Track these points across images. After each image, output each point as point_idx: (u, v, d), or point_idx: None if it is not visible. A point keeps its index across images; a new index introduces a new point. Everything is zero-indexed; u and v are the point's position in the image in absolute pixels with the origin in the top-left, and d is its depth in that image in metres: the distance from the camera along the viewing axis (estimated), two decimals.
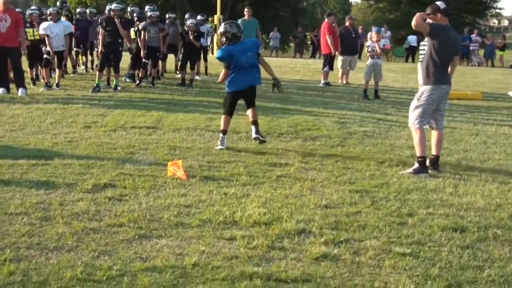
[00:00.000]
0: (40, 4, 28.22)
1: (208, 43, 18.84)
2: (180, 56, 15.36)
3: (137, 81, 14.19)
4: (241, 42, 7.93)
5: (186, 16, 17.18)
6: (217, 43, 14.36)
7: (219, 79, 8.28)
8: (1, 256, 4.13)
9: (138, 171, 6.58)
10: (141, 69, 14.32)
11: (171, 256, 4.31)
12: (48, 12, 13.74)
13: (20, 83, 11.96)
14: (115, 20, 12.90)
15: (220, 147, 7.87)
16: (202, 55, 16.81)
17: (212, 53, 25.14)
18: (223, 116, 8.12)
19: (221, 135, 8.03)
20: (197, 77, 15.80)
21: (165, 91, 13.68)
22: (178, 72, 16.00)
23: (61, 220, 4.94)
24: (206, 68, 17.41)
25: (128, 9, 16.31)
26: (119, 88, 13.15)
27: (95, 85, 12.87)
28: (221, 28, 7.86)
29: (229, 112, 8.13)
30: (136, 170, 6.62)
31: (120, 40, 13.16)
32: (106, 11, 13.95)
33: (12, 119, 9.29)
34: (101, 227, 4.83)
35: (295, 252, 4.47)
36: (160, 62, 15.28)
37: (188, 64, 14.85)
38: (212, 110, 10.95)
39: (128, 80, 14.93)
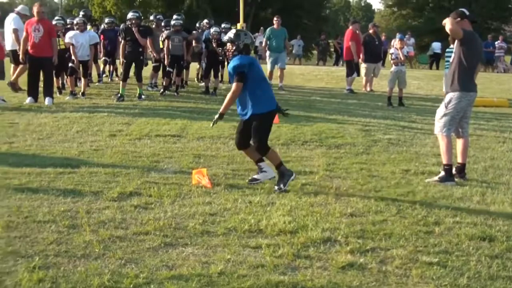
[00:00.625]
0: (65, 15, 28.57)
1: None
2: (204, 64, 15.41)
3: (161, 90, 14.28)
4: (252, 56, 6.61)
5: (205, 21, 17.21)
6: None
7: (230, 98, 6.38)
8: (30, 263, 4.18)
9: (163, 180, 6.62)
10: (165, 78, 14.42)
11: (197, 264, 4.33)
12: (75, 22, 13.91)
13: (48, 92, 12.11)
14: (133, 29, 12.98)
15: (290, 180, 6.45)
16: (226, 63, 16.83)
17: None
18: (270, 152, 6.51)
19: (284, 169, 6.45)
20: (221, 85, 15.85)
21: (189, 99, 13.75)
22: (202, 80, 16.06)
23: (88, 228, 4.98)
24: None
25: (151, 17, 16.41)
26: (143, 96, 13.24)
27: (119, 94, 12.97)
28: (231, 34, 6.40)
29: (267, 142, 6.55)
30: (161, 179, 6.66)
31: (140, 49, 13.24)
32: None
33: (39, 128, 9.40)
34: (127, 235, 4.86)
35: (321, 261, 4.45)
36: (184, 70, 15.35)
37: (212, 72, 14.92)
38: (236, 118, 10.89)
39: (150, 89, 15.02)
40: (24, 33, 12.16)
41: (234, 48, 6.32)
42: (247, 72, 6.25)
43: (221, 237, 4.90)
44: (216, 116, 6.44)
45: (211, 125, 6.58)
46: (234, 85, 6.30)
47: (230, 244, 4.73)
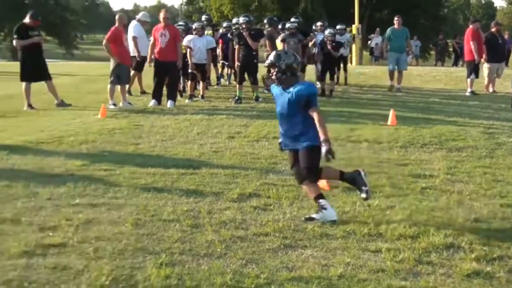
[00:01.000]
0: (186, 20, 29.52)
1: (347, 53, 18.78)
2: (319, 66, 15.40)
3: None
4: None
5: (319, 23, 17.18)
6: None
7: (323, 123, 5.44)
8: (157, 260, 4.37)
9: (281, 181, 6.69)
10: None
11: (316, 266, 4.34)
12: (194, 27, 14.34)
13: (171, 95, 12.58)
14: (244, 33, 13.23)
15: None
16: (342, 65, 16.85)
17: (351, 62, 25.07)
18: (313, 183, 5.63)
19: (348, 175, 5.75)
20: (337, 87, 15.78)
21: None
22: (318, 82, 16.05)
23: (210, 228, 5.14)
24: (346, 78, 17.35)
25: (265, 20, 16.61)
26: (260, 99, 13.43)
27: (236, 97, 13.24)
28: (271, 57, 5.64)
29: None
30: (279, 180, 6.74)
31: (254, 53, 13.45)
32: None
33: (162, 130, 9.78)
34: (247, 236, 4.97)
35: (444, 268, 4.33)
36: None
37: (328, 74, 14.88)
38: (352, 120, 10.91)
39: (266, 91, 15.19)
40: (152, 39, 12.73)
41: (276, 70, 5.56)
42: None
43: (340, 240, 4.90)
44: (327, 146, 5.32)
45: (328, 158, 5.32)
46: (317, 111, 5.45)
47: (350, 248, 4.71)
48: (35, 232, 4.96)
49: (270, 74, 5.68)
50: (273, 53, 5.75)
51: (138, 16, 14.95)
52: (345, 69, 17.28)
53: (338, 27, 17.06)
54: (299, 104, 5.43)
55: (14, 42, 12.46)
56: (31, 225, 5.12)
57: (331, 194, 6.14)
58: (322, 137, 5.35)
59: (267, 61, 5.68)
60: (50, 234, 4.91)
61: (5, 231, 4.97)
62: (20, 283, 3.97)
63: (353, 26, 27.91)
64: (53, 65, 13.49)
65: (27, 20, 12.44)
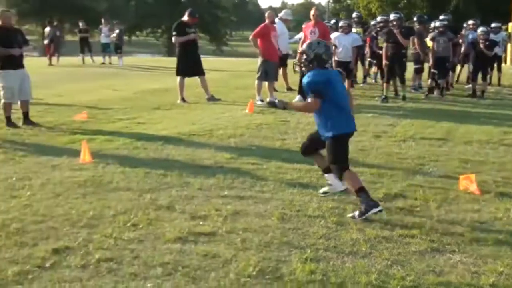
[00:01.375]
0: (337, 18, 29.51)
1: (502, 52, 17.83)
2: (471, 66, 14.77)
3: (426, 92, 14.05)
4: (328, 70, 5.69)
5: (470, 22, 16.45)
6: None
7: (301, 108, 6.52)
8: (302, 255, 4.44)
9: (429, 183, 6.52)
10: (430, 80, 14.16)
11: (466, 273, 4.21)
12: (340, 24, 14.33)
13: None
14: (394, 30, 12.99)
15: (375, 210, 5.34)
16: (496, 65, 16.07)
17: (505, 62, 23.74)
18: (347, 173, 5.57)
19: (365, 197, 5.39)
20: (489, 88, 15.07)
21: (455, 102, 13.30)
22: (469, 82, 15.44)
23: (355, 226, 5.13)
24: (499, 78, 16.51)
25: (414, 18, 16.22)
26: (406, 99, 13.15)
27: (383, 96, 13.05)
28: (305, 45, 5.72)
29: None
30: (426, 182, 6.57)
31: (403, 51, 13.20)
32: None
33: (308, 126, 9.64)
34: (393, 237, 4.90)
35: None
36: (450, 72, 14.88)
37: (480, 75, 14.25)
38: (506, 123, 10.37)
39: (414, 91, 14.82)
40: (302, 36, 12.89)
41: (305, 58, 5.59)
42: (323, 89, 5.44)
43: (491, 247, 4.69)
44: (282, 103, 5.94)
45: (281, 103, 5.97)
46: (310, 100, 5.50)
47: (502, 256, 4.50)
48: (187, 220, 5.23)
49: (302, 60, 5.66)
50: (308, 41, 5.82)
51: (280, 14, 15.17)
52: (499, 69, 16.45)
53: (492, 25, 16.29)
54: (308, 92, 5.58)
55: (173, 38, 13.05)
56: (183, 213, 5.41)
57: (481, 199, 5.89)
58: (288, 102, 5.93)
59: (301, 48, 5.83)
60: (201, 223, 5.15)
61: (161, 217, 5.29)
62: (175, 266, 4.21)
63: (509, 24, 26.41)
64: (204, 61, 13.98)
65: (185, 17, 13.03)
